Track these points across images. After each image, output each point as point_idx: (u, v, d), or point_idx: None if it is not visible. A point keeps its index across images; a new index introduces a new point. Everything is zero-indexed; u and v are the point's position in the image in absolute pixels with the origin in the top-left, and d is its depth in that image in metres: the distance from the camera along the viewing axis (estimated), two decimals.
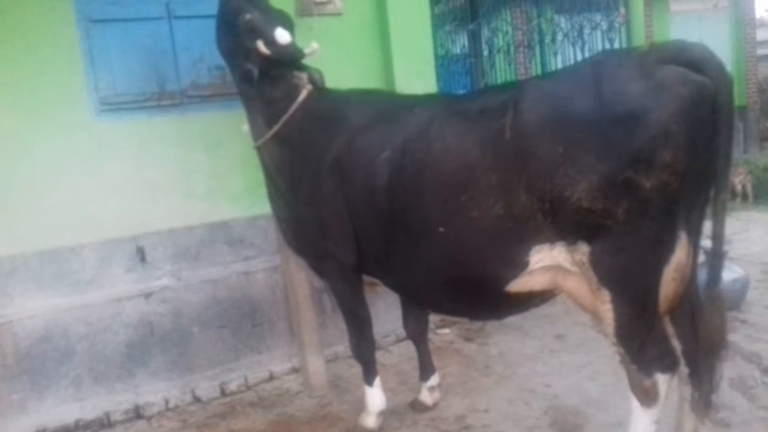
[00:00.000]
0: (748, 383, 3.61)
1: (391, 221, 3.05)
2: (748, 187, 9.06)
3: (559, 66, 7.40)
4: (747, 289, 4.86)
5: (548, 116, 2.49)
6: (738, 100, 12.20)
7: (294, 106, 3.45)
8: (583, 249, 2.50)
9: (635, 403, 2.63)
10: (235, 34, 3.41)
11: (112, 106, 4.13)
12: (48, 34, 3.96)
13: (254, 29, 3.36)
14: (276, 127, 3.47)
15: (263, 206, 3.99)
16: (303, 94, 3.47)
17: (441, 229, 2.82)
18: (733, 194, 9.05)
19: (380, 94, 3.86)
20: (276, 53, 3.38)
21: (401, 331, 4.70)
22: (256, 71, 3.36)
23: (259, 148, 3.62)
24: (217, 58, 3.82)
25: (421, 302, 3.53)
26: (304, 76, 3.50)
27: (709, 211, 2.51)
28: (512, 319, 4.79)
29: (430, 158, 2.86)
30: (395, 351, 4.73)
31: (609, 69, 2.48)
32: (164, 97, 4.24)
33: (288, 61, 3.46)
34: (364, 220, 3.19)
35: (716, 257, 2.54)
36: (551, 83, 2.74)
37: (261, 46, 3.33)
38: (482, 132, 2.69)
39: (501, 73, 7.97)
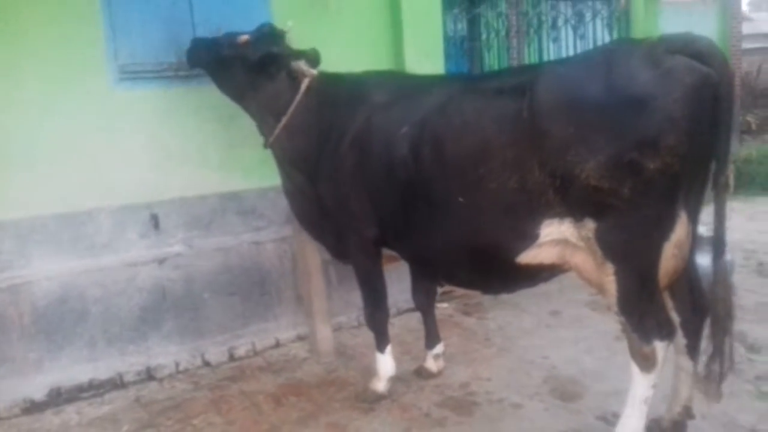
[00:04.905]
0: (734, 359, 3.83)
1: (409, 193, 3.21)
2: (731, 177, 9.32)
3: (557, 52, 7.55)
4: (732, 272, 5.08)
5: (562, 98, 2.68)
6: None
7: (298, 96, 3.64)
8: (590, 225, 2.68)
9: (635, 368, 2.80)
10: (226, 63, 3.75)
11: (131, 75, 4.21)
12: (70, 1, 4.01)
13: (230, 43, 3.72)
14: (284, 119, 3.65)
15: (274, 178, 4.13)
16: (305, 83, 3.64)
17: (460, 199, 2.99)
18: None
19: (397, 75, 4.00)
20: (253, 36, 3.72)
21: (402, 304, 4.92)
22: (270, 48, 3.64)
23: (272, 146, 3.80)
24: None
25: (435, 272, 3.69)
26: (301, 64, 3.65)
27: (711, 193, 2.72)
28: (508, 296, 5.02)
29: (450, 133, 3.03)
30: (396, 323, 4.88)
31: (620, 56, 2.66)
32: (182, 68, 4.29)
33: (268, 35, 3.75)
34: (383, 193, 3.35)
35: (719, 234, 2.74)
36: (566, 68, 2.93)
37: (242, 38, 3.68)
38: (501, 110, 2.86)
39: (498, 58, 8.09)
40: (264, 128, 3.84)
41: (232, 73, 3.76)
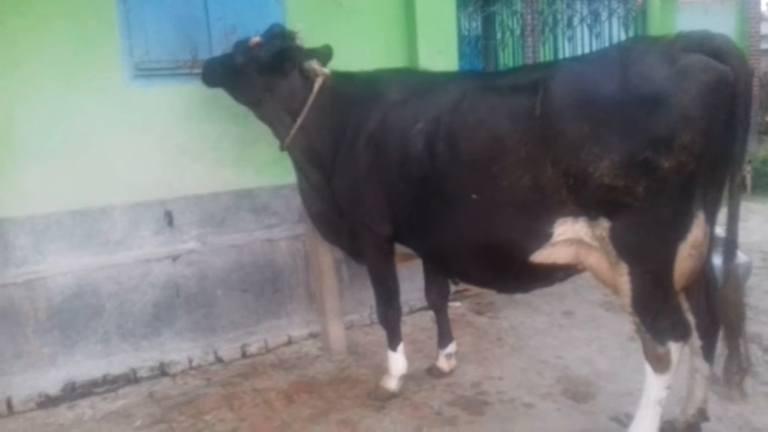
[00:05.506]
0: (751, 361, 3.79)
1: (424, 190, 3.21)
2: (748, 178, 9.24)
3: (572, 51, 7.52)
4: (749, 274, 5.03)
5: (576, 96, 2.65)
6: None
7: (312, 96, 3.63)
8: (604, 224, 2.65)
9: (649, 369, 2.77)
10: (241, 70, 3.72)
11: (146, 72, 4.24)
12: None
13: (243, 49, 3.72)
14: (300, 120, 3.66)
15: (287, 176, 4.17)
16: (319, 82, 3.63)
17: (473, 196, 2.98)
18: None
19: (411, 72, 4.00)
20: (264, 38, 3.71)
21: (415, 303, 4.92)
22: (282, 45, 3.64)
23: (289, 148, 3.80)
24: (247, 30, 3.94)
25: (449, 269, 3.67)
26: (313, 64, 3.65)
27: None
28: (521, 296, 5.00)
29: (464, 130, 3.02)
30: (409, 321, 4.87)
31: (636, 54, 2.62)
32: (196, 66, 4.29)
33: (280, 35, 3.74)
34: (398, 190, 3.35)
35: (731, 235, 2.68)
36: (581, 65, 2.91)
37: (254, 40, 3.69)
38: (514, 107, 2.83)
39: (513, 57, 8.08)
40: (280, 129, 3.84)
41: (247, 78, 3.74)
